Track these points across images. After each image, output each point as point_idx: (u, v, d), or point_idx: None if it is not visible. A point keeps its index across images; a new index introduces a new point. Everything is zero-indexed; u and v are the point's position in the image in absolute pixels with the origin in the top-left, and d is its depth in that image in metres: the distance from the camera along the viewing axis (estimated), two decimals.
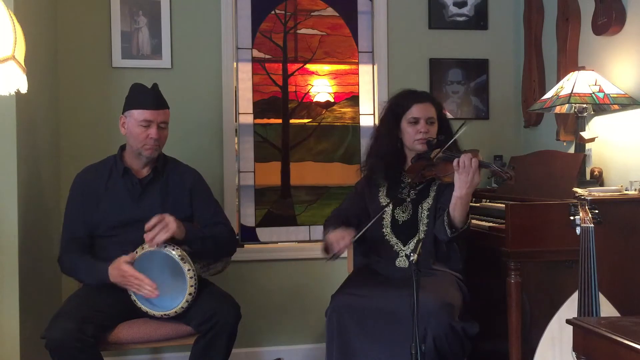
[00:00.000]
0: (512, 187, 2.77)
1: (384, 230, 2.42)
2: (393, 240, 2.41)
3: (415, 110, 2.38)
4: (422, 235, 2.35)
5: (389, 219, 2.42)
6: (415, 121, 2.38)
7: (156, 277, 2.17)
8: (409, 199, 2.42)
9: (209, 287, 2.32)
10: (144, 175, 2.39)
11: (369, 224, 2.25)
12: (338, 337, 2.15)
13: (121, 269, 2.14)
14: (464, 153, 2.15)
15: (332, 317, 2.16)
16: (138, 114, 2.30)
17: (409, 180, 2.39)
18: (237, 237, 3.16)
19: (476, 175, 2.11)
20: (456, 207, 2.15)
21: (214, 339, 2.17)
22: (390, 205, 2.41)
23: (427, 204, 2.39)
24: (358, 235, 2.25)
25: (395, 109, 2.45)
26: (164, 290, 2.18)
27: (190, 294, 2.16)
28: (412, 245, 2.37)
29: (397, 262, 2.39)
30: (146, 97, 2.32)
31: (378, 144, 2.49)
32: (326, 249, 2.29)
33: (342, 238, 2.22)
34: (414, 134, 2.38)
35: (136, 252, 2.17)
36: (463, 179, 2.10)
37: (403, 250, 2.39)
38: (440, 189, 2.38)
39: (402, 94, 2.49)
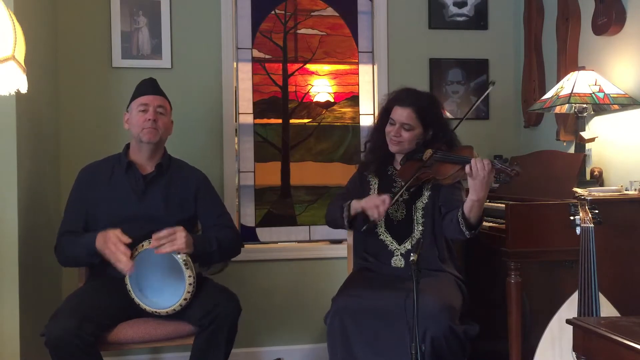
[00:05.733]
0: (514, 185, 2.77)
1: (378, 230, 2.41)
2: (388, 239, 2.40)
3: (394, 112, 2.39)
4: (419, 234, 2.35)
5: (384, 218, 2.41)
6: (393, 122, 2.39)
7: (156, 274, 2.18)
8: (401, 199, 2.39)
9: (207, 282, 2.33)
10: (148, 172, 2.40)
11: (405, 187, 2.25)
12: (341, 341, 2.13)
13: (107, 233, 2.15)
14: (460, 152, 2.14)
15: (334, 321, 2.15)
16: (136, 102, 2.39)
17: (403, 183, 2.34)
18: None
19: (491, 176, 2.10)
20: (473, 209, 2.14)
21: (214, 332, 2.17)
22: None
23: (421, 203, 2.38)
24: (398, 195, 2.24)
25: (385, 105, 2.47)
26: (160, 287, 2.19)
27: (185, 299, 2.16)
28: (407, 244, 2.37)
29: (392, 262, 2.38)
30: (143, 86, 2.43)
31: (372, 139, 2.51)
32: (350, 220, 2.32)
33: (381, 202, 2.20)
34: (388, 133, 2.40)
35: (142, 245, 2.17)
36: (479, 184, 2.09)
37: (398, 249, 2.38)
38: (436, 188, 2.37)
39: (395, 91, 2.49)
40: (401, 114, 2.36)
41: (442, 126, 2.41)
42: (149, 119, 2.34)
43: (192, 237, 2.20)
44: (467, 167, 2.10)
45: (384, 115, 2.44)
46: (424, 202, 2.38)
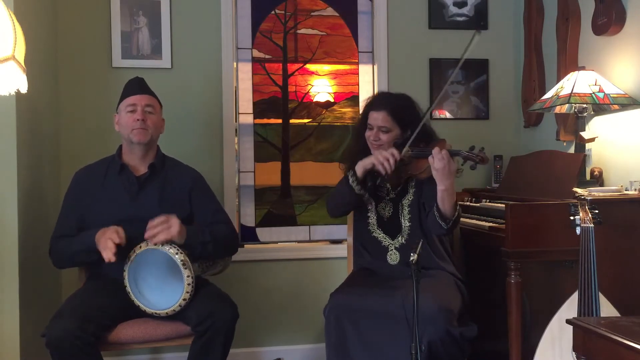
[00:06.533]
0: (514, 185, 2.77)
1: (370, 228, 2.45)
2: (380, 235, 2.44)
3: (370, 117, 2.43)
4: (408, 230, 2.39)
5: (374, 216, 2.46)
6: (371, 127, 2.42)
7: (154, 275, 2.18)
8: (387, 198, 2.45)
9: (206, 286, 2.32)
10: (142, 173, 2.40)
11: (414, 134, 2.29)
12: (336, 338, 2.15)
13: (109, 227, 2.17)
14: (433, 147, 2.19)
15: (330, 317, 2.17)
16: (124, 103, 2.39)
17: (389, 185, 2.41)
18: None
19: (451, 165, 2.17)
20: (444, 200, 2.20)
21: (211, 339, 2.17)
22: (373, 202, 2.46)
23: (407, 200, 2.42)
24: (408, 144, 2.27)
25: (362, 112, 2.52)
26: (159, 288, 2.19)
27: (184, 299, 2.16)
28: (400, 239, 2.40)
29: (388, 258, 2.41)
30: (130, 86, 2.42)
31: (353, 143, 2.57)
32: (364, 177, 2.33)
33: (390, 155, 2.25)
34: (368, 138, 2.43)
35: (140, 246, 2.17)
36: (441, 173, 2.16)
37: (392, 244, 2.41)
38: (419, 183, 2.41)
39: (370, 97, 2.56)
40: (376, 117, 2.40)
41: (417, 121, 2.43)
42: (138, 119, 2.34)
43: (185, 228, 2.21)
44: (429, 159, 2.18)
45: (363, 122, 2.47)
46: (410, 199, 2.42)
